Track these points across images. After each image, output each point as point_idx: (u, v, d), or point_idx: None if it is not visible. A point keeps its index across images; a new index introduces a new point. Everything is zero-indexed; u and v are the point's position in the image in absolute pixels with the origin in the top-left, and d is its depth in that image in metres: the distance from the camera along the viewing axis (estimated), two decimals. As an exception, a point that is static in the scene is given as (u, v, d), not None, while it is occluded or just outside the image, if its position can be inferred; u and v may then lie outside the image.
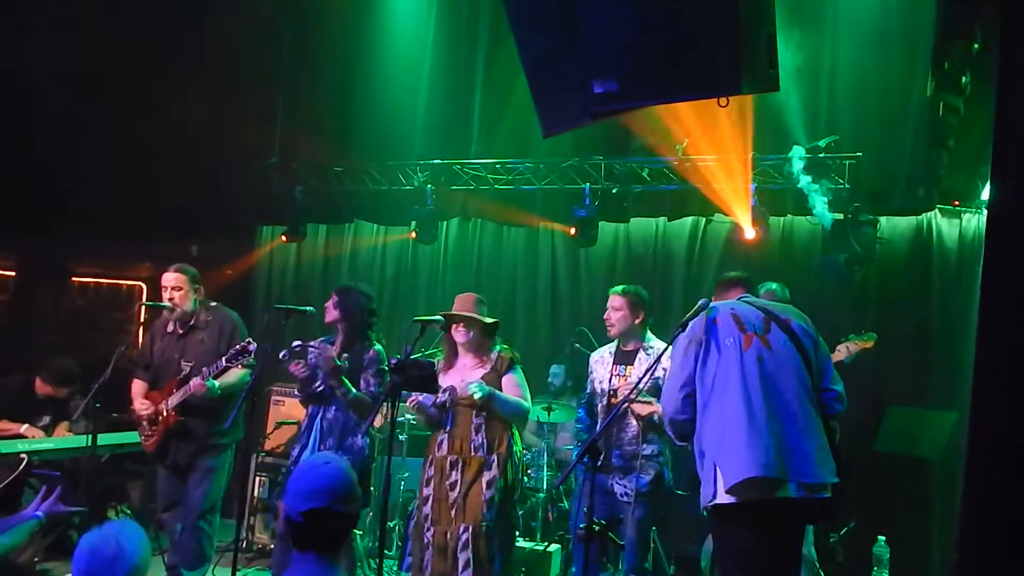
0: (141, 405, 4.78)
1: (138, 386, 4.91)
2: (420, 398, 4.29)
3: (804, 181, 5.81)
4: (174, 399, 4.65)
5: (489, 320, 4.33)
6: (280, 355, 4.49)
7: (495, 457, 4.22)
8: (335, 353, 4.37)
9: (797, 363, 3.26)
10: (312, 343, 4.62)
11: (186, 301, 4.77)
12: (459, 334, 4.33)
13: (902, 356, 6.00)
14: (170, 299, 4.76)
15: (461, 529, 4.13)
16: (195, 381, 4.53)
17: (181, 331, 4.82)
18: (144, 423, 4.77)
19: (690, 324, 3.36)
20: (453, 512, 4.18)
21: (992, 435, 1.77)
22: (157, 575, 5.00)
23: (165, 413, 4.68)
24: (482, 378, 4.25)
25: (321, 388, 4.44)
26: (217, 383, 4.56)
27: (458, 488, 4.21)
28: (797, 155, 5.84)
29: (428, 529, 4.23)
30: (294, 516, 2.35)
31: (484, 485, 4.18)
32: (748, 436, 3.09)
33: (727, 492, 3.08)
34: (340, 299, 4.49)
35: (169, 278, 4.80)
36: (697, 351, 3.26)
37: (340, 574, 2.42)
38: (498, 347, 4.38)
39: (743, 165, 6.02)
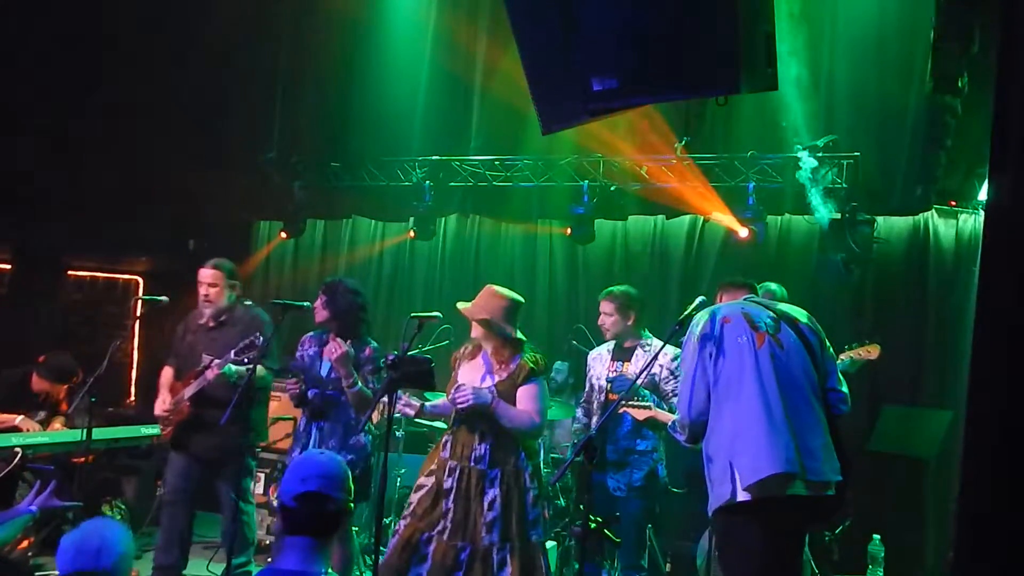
0: (161, 401, 4.82)
1: (167, 375, 4.93)
2: (404, 408, 4.08)
3: (806, 178, 5.82)
4: (190, 390, 4.66)
5: (482, 318, 3.97)
6: (290, 367, 4.53)
7: (498, 472, 3.86)
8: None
9: (806, 362, 3.30)
10: (305, 345, 4.60)
11: (221, 298, 4.76)
12: (473, 328, 4.07)
13: (898, 355, 6.01)
14: (205, 296, 4.74)
15: (459, 546, 3.82)
16: (211, 371, 4.51)
17: (212, 324, 4.82)
18: (161, 414, 4.83)
19: (698, 324, 3.35)
20: (450, 525, 3.84)
21: (988, 434, 1.77)
22: (143, 573, 5.03)
23: (180, 403, 4.71)
24: (496, 385, 3.94)
25: (312, 399, 4.44)
26: (234, 368, 4.48)
27: (452, 497, 3.88)
28: (805, 162, 5.85)
29: (405, 518, 3.95)
30: (287, 501, 2.40)
31: (486, 505, 3.82)
32: (768, 433, 3.11)
33: (745, 490, 3.09)
34: (329, 299, 4.44)
35: (205, 274, 4.75)
36: (710, 352, 3.27)
37: (328, 563, 2.44)
38: (526, 353, 4.01)
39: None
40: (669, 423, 3.68)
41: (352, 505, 2.54)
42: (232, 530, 4.67)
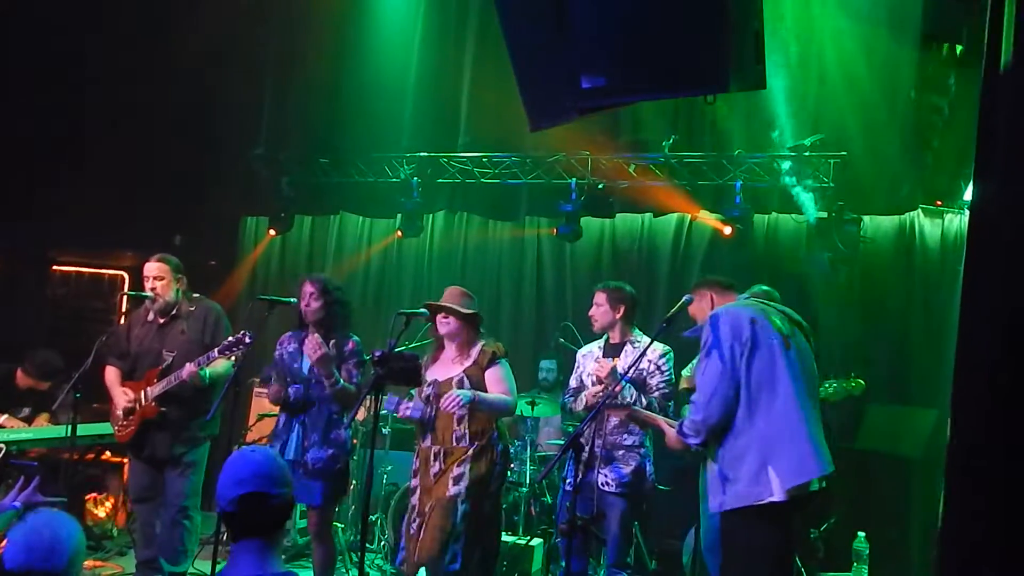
0: (121, 394, 4.69)
1: (113, 374, 4.80)
2: (409, 411, 4.28)
3: (791, 180, 5.84)
4: (156, 389, 4.57)
5: (467, 311, 4.27)
6: (261, 378, 4.48)
7: (476, 445, 4.21)
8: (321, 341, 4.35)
9: (812, 363, 3.48)
10: (284, 344, 4.58)
11: (168, 291, 4.72)
12: (441, 325, 4.31)
13: (883, 354, 6.05)
14: (152, 289, 4.70)
15: (428, 507, 4.15)
16: (187, 369, 4.46)
17: (162, 320, 4.75)
18: (120, 412, 4.68)
19: (726, 324, 3.36)
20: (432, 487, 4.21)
21: (973, 433, 1.78)
22: (128, 570, 5.00)
23: (144, 403, 4.61)
24: (464, 372, 4.24)
25: (294, 399, 4.42)
26: (208, 371, 4.52)
27: (439, 477, 4.21)
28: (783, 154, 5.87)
29: (414, 520, 4.21)
30: (226, 506, 2.30)
31: (452, 479, 4.15)
32: (809, 436, 3.25)
33: (786, 491, 3.18)
34: (321, 292, 4.42)
35: (151, 268, 4.73)
36: (742, 351, 3.30)
37: (279, 561, 2.36)
38: (485, 341, 4.34)
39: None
40: (676, 425, 3.60)
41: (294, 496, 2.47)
42: (170, 537, 4.62)
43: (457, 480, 4.14)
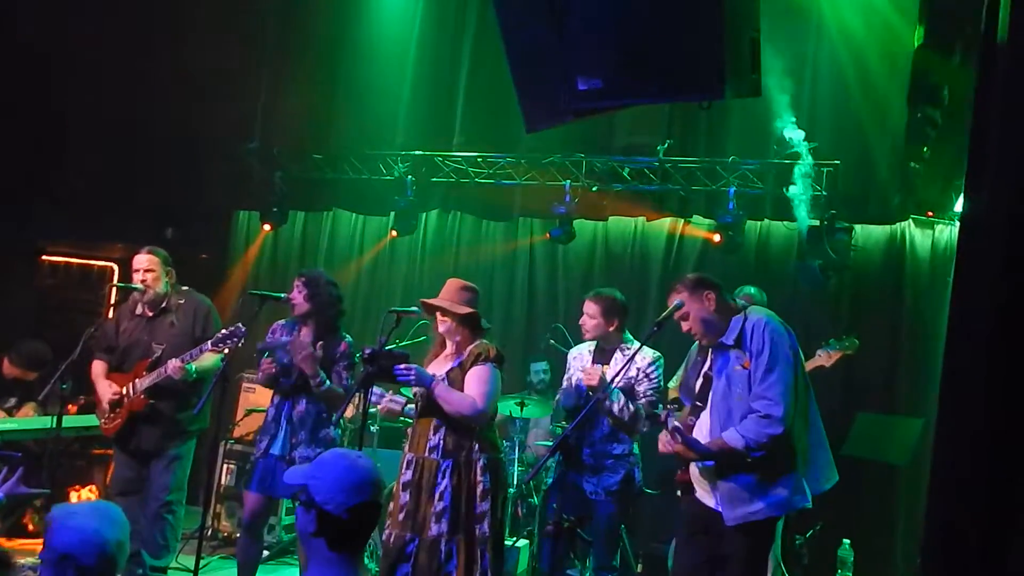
0: (107, 387, 4.66)
1: (99, 367, 4.78)
2: (389, 404, 4.12)
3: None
4: (144, 382, 4.55)
5: (462, 311, 3.99)
6: (257, 347, 4.44)
7: (450, 463, 3.84)
8: (309, 341, 4.31)
9: None
10: (276, 333, 4.55)
11: (158, 284, 4.69)
12: (440, 323, 4.06)
13: (872, 363, 6.07)
14: (142, 281, 4.68)
15: (407, 537, 3.81)
16: (172, 364, 4.43)
17: (151, 313, 4.73)
18: (106, 405, 4.66)
19: (782, 333, 3.38)
20: (401, 516, 3.86)
21: (958, 442, 1.79)
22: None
23: (132, 395, 4.59)
24: (448, 371, 3.97)
25: (290, 383, 4.36)
26: (194, 366, 4.49)
27: (409, 489, 3.88)
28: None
29: (387, 528, 3.98)
30: (340, 513, 2.16)
31: (436, 495, 3.81)
32: (827, 443, 3.43)
33: (812, 497, 3.36)
34: (311, 292, 4.35)
35: (141, 260, 4.71)
36: (794, 360, 3.39)
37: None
38: (479, 342, 4.04)
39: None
40: (742, 444, 3.33)
41: None
42: (152, 531, 4.59)
43: (440, 517, 3.78)
